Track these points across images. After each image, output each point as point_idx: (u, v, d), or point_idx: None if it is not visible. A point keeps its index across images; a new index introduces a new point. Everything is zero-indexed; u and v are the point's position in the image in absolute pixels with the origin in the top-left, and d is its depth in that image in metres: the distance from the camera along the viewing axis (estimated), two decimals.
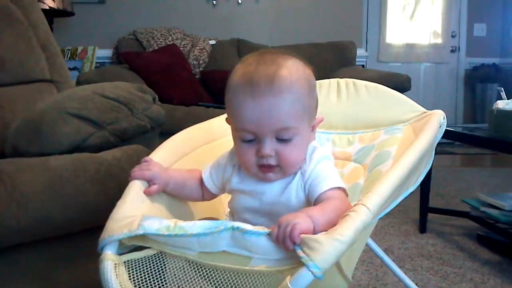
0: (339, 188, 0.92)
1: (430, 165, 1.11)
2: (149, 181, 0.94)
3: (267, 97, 0.86)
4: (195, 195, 1.05)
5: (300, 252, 0.69)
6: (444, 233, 2.52)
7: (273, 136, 0.89)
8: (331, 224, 0.74)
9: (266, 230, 0.74)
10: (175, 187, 0.99)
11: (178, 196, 1.02)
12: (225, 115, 1.35)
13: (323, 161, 0.96)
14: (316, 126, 0.99)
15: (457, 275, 1.97)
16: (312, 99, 0.96)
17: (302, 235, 0.71)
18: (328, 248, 0.67)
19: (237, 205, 1.01)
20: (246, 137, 0.91)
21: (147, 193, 0.92)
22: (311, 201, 0.92)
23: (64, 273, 1.16)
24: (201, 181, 1.04)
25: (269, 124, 0.88)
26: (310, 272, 0.66)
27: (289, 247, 0.71)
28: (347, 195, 0.95)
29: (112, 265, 0.76)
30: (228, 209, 1.20)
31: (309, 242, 0.69)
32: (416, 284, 1.68)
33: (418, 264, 2.08)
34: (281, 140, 0.90)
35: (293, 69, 0.90)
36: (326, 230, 0.72)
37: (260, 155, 0.90)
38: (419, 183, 1.02)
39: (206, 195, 1.05)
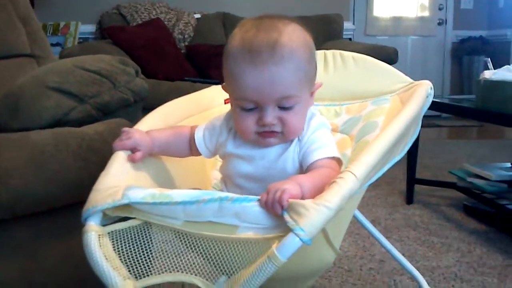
0: (333, 158, 0.92)
1: (417, 134, 1.10)
2: (133, 150, 0.92)
3: (269, 66, 0.85)
4: (183, 153, 1.05)
5: (287, 217, 0.69)
6: (431, 204, 2.54)
7: (275, 104, 0.88)
8: (319, 192, 0.73)
9: (255, 197, 0.73)
10: (161, 148, 0.98)
11: (166, 155, 1.02)
12: (211, 87, 1.34)
13: (321, 129, 0.96)
14: (315, 91, 0.98)
15: (444, 245, 1.98)
16: (313, 66, 0.95)
17: (290, 200, 0.71)
18: (314, 214, 0.67)
19: (231, 170, 0.99)
20: (247, 106, 0.89)
21: (132, 160, 0.91)
22: (304, 167, 0.92)
23: (48, 248, 1.14)
24: (190, 139, 1.03)
25: (271, 92, 0.86)
26: (297, 238, 0.65)
27: (277, 212, 0.70)
28: (341, 164, 0.94)
29: (95, 236, 0.75)
30: (214, 180, 1.19)
31: (296, 208, 0.69)
32: (403, 254, 1.69)
33: (405, 234, 2.10)
34: (282, 108, 0.89)
35: (294, 36, 0.88)
36: (314, 197, 0.71)
37: (262, 123, 0.89)
38: (405, 151, 1.02)
39: (194, 151, 1.04)
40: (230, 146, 0.99)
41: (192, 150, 1.04)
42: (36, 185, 1.06)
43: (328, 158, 0.91)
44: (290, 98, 0.88)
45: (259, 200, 0.73)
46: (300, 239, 0.65)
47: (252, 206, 0.73)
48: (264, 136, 0.92)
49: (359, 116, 1.25)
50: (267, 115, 0.88)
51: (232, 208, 0.73)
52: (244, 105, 0.89)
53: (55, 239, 1.15)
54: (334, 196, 0.70)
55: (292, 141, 0.95)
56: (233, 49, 0.89)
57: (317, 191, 0.77)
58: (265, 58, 0.84)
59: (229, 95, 0.95)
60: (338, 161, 0.93)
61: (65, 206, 1.13)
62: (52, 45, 3.64)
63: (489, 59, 2.36)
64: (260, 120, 0.89)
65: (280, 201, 0.70)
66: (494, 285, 1.64)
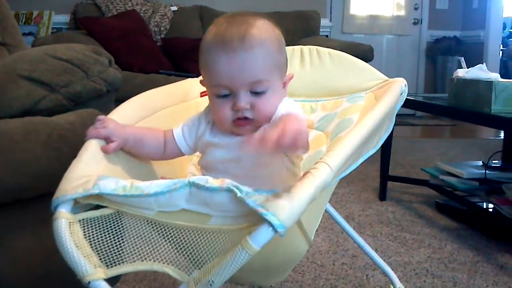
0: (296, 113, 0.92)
1: (391, 129, 1.11)
2: (107, 139, 0.91)
3: (239, 52, 0.91)
4: (156, 154, 1.04)
5: (260, 209, 0.68)
6: (404, 201, 2.57)
7: (247, 89, 0.93)
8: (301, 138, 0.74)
9: (223, 185, 0.72)
10: (134, 144, 0.97)
11: (137, 153, 1.01)
12: (187, 80, 1.32)
13: (288, 106, 0.98)
14: (287, 83, 1.03)
15: (416, 241, 2.00)
16: (282, 56, 1.00)
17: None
18: (288, 204, 0.67)
19: (209, 158, 1.01)
20: (221, 92, 0.94)
21: (105, 151, 0.90)
22: None
23: (18, 240, 1.12)
24: (164, 139, 1.04)
25: (242, 77, 0.92)
26: (271, 228, 0.65)
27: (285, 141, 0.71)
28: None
29: (66, 223, 0.74)
30: (190, 174, 1.18)
31: (269, 198, 0.68)
32: (376, 250, 1.71)
33: (378, 230, 2.11)
34: (255, 93, 0.94)
35: (263, 28, 0.95)
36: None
37: (236, 108, 0.93)
38: (378, 146, 1.03)
39: (167, 153, 1.04)
40: (207, 135, 1.02)
41: (166, 151, 1.04)
42: (4, 175, 1.03)
43: (292, 112, 0.91)
44: (260, 82, 0.93)
45: (231, 189, 0.71)
46: (274, 227, 0.65)
47: (220, 196, 0.72)
48: (238, 124, 0.95)
49: (334, 113, 1.25)
50: (240, 100, 0.93)
51: (200, 195, 0.73)
52: (219, 91, 0.94)
53: (24, 230, 1.12)
54: (308, 186, 0.70)
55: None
56: (207, 42, 0.95)
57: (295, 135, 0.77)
58: (236, 46, 0.91)
59: (206, 87, 0.99)
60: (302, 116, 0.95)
61: (34, 197, 1.11)
62: (25, 34, 3.57)
63: (463, 58, 2.40)
64: (234, 106, 0.93)
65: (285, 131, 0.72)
66: (464, 281, 1.66)
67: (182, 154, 1.06)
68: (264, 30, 0.95)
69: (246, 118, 0.95)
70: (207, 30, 0.97)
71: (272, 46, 0.95)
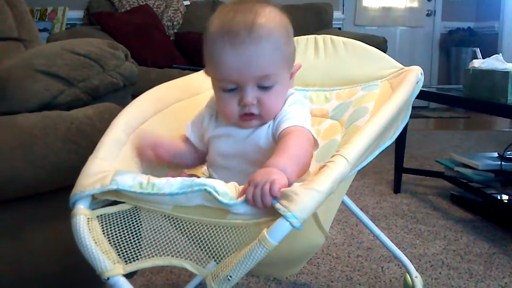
0: (304, 127, 0.93)
1: (407, 120, 1.10)
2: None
3: (247, 45, 0.87)
4: (193, 161, 1.07)
5: (277, 205, 0.68)
6: (418, 193, 2.56)
7: (254, 84, 0.90)
8: (303, 170, 0.75)
9: (236, 200, 0.72)
10: (180, 160, 1.03)
11: (183, 166, 1.06)
12: (200, 72, 1.33)
13: (295, 104, 0.97)
14: (294, 73, 1.00)
15: (431, 233, 2.00)
16: (290, 47, 0.97)
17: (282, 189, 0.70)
18: (305, 198, 0.67)
19: (212, 152, 1.02)
20: (228, 87, 0.91)
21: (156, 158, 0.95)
22: (275, 138, 0.93)
23: (36, 233, 1.13)
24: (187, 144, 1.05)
25: (250, 72, 0.89)
26: (288, 222, 0.65)
27: (267, 204, 0.69)
28: (315, 139, 0.95)
29: (84, 219, 0.74)
30: (203, 174, 1.19)
31: (286, 193, 0.69)
32: (391, 242, 1.71)
33: (392, 222, 2.11)
34: (262, 88, 0.91)
35: (270, 17, 0.91)
36: (298, 178, 0.72)
37: (243, 103, 0.91)
38: (396, 137, 1.02)
39: (197, 156, 1.07)
40: (211, 129, 1.02)
41: (196, 155, 1.07)
42: (24, 169, 1.05)
43: (299, 126, 0.92)
44: (269, 77, 0.91)
45: (242, 198, 0.72)
46: (291, 224, 0.65)
47: (234, 208, 0.72)
48: (245, 119, 0.94)
49: (349, 101, 1.24)
50: (247, 95, 0.90)
51: (216, 202, 0.72)
52: (225, 86, 0.92)
53: (42, 223, 1.13)
54: (325, 180, 0.70)
55: None
56: (212, 32, 0.91)
57: (299, 170, 0.80)
58: (243, 38, 0.87)
59: (211, 79, 0.97)
60: (310, 132, 0.94)
61: (53, 190, 1.12)
62: (39, 30, 3.58)
63: (478, 48, 2.37)
64: (241, 101, 0.91)
65: (272, 192, 0.69)
66: (480, 272, 1.65)
67: (205, 153, 1.06)
68: (272, 19, 0.91)
69: (251, 114, 0.93)
70: (211, 18, 0.93)
71: (281, 36, 0.92)
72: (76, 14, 4.05)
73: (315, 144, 0.95)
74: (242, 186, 0.74)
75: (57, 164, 1.09)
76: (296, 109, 0.96)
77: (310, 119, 0.98)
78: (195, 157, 1.06)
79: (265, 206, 0.70)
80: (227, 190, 0.73)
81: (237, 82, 0.90)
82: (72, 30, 3.75)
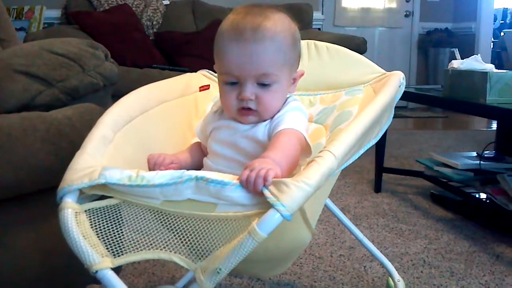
0: (299, 132, 0.96)
1: (391, 121, 1.12)
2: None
3: (250, 43, 0.93)
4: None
5: (267, 193, 0.70)
6: (399, 192, 2.58)
7: (254, 81, 0.96)
8: (293, 168, 0.80)
9: (231, 180, 0.73)
10: (191, 167, 1.04)
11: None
12: (186, 75, 1.33)
13: (294, 111, 1.01)
14: (297, 79, 1.05)
15: (412, 232, 2.02)
16: (295, 52, 1.02)
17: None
18: (295, 190, 0.68)
19: (210, 140, 1.06)
20: (229, 80, 0.97)
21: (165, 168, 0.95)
22: (271, 137, 0.97)
23: (18, 236, 1.11)
24: (201, 147, 1.10)
25: (250, 68, 0.94)
26: (278, 214, 0.66)
27: (258, 187, 0.71)
28: (308, 146, 0.98)
29: (72, 213, 0.74)
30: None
31: (276, 184, 0.70)
32: (372, 241, 1.72)
33: (374, 222, 2.12)
34: (261, 85, 0.96)
35: (278, 22, 0.97)
36: (289, 175, 0.75)
37: (241, 97, 0.96)
38: (379, 137, 1.04)
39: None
40: (214, 122, 1.07)
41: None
42: (3, 170, 1.03)
43: (293, 128, 0.96)
44: (268, 76, 0.96)
45: (237, 180, 0.74)
46: (281, 214, 0.67)
47: (228, 189, 0.73)
48: (242, 113, 0.99)
49: (333, 106, 1.26)
50: (246, 89, 0.96)
51: (208, 189, 0.73)
52: (227, 79, 0.98)
53: (23, 226, 1.11)
54: (314, 174, 0.72)
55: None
56: (223, 30, 0.98)
57: (290, 167, 0.85)
58: (248, 37, 0.93)
59: (217, 73, 1.03)
60: (303, 135, 0.97)
61: (34, 192, 1.10)
62: (16, 29, 3.53)
63: (457, 49, 2.40)
64: (239, 95, 0.97)
65: (266, 177, 0.72)
66: (461, 271, 1.67)
67: None
68: (279, 24, 0.96)
69: (249, 109, 0.97)
70: (226, 18, 1.00)
71: (284, 40, 0.97)
72: (53, 13, 3.99)
73: (308, 150, 0.99)
74: (233, 177, 0.75)
75: (37, 166, 1.07)
76: (295, 116, 1.00)
77: (307, 126, 1.03)
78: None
79: (256, 190, 0.71)
80: (218, 178, 0.73)
81: (238, 77, 0.96)
82: (50, 29, 3.70)
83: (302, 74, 1.07)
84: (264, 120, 1.00)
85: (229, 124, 1.03)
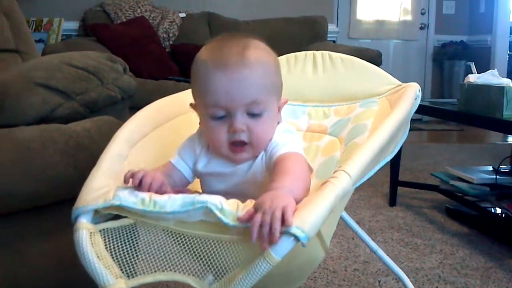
0: (297, 152, 0.93)
1: (407, 135, 1.11)
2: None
3: (240, 68, 0.88)
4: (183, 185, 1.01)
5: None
6: (413, 206, 2.56)
7: (244, 111, 0.90)
8: (306, 191, 0.76)
9: (240, 212, 0.72)
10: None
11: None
12: None
13: (286, 133, 0.97)
14: (281, 107, 1.00)
15: (427, 247, 2.00)
16: (279, 78, 0.98)
17: None
18: (312, 214, 0.67)
19: (206, 188, 1.00)
20: (217, 114, 0.90)
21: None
22: (270, 167, 0.92)
23: (33, 246, 1.12)
24: (169, 171, 0.98)
25: (240, 96, 0.88)
26: (292, 238, 0.65)
27: (276, 233, 0.67)
28: (309, 166, 0.95)
29: (87, 234, 0.74)
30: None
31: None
32: (387, 255, 1.70)
33: (388, 236, 2.11)
34: (252, 115, 0.91)
35: (259, 45, 0.93)
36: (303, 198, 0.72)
37: (233, 130, 0.90)
38: (395, 152, 1.03)
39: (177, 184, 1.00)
40: (201, 164, 0.98)
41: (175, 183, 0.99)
42: (22, 182, 1.04)
43: (294, 152, 0.92)
44: (259, 103, 0.90)
45: (242, 219, 0.72)
46: (299, 238, 0.65)
47: (237, 230, 0.72)
48: (235, 151, 0.92)
49: (347, 118, 1.25)
50: (237, 120, 0.89)
51: (217, 221, 0.72)
52: (215, 112, 0.90)
53: (41, 237, 1.13)
54: (329, 196, 0.71)
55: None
56: (202, 62, 0.92)
57: (304, 190, 0.80)
58: (236, 61, 0.88)
59: (199, 110, 0.96)
60: (304, 158, 0.94)
61: (51, 204, 1.11)
62: (35, 41, 3.59)
63: (473, 63, 2.39)
64: (230, 127, 0.90)
65: (286, 222, 0.67)
66: (477, 287, 1.65)
67: (189, 182, 1.02)
68: (261, 48, 0.93)
69: (242, 142, 0.91)
70: (199, 53, 0.94)
71: (270, 63, 0.94)
72: (71, 25, 4.04)
73: (310, 170, 0.95)
74: (244, 204, 0.74)
75: (55, 178, 1.09)
76: (287, 137, 0.96)
77: (301, 146, 0.99)
78: (185, 182, 1.01)
79: (273, 238, 0.67)
80: (229, 208, 0.72)
81: (226, 107, 0.89)
82: (68, 41, 3.75)
83: (286, 102, 1.02)
84: (258, 154, 0.94)
85: (221, 173, 0.96)
